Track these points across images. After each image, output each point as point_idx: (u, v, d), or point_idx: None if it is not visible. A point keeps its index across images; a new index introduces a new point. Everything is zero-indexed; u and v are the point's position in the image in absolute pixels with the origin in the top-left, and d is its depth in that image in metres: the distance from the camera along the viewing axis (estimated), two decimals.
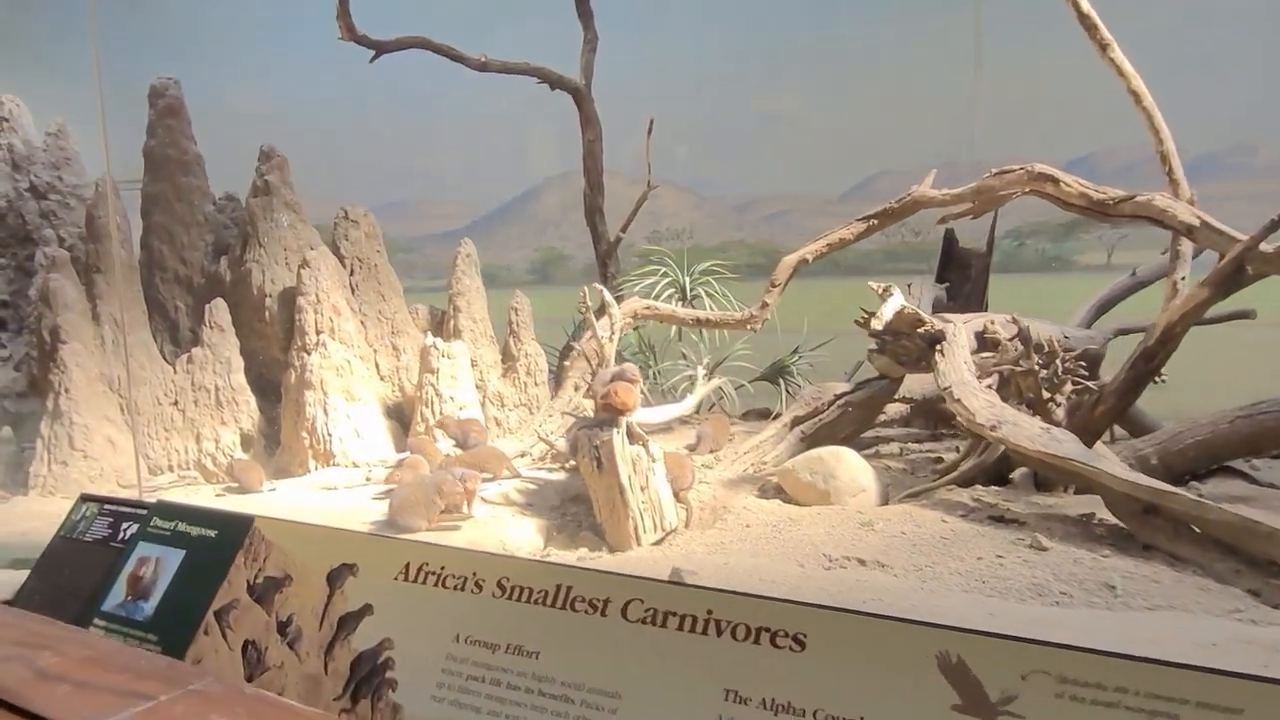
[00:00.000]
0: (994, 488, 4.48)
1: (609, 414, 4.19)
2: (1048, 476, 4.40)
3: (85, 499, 2.34)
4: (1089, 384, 4.41)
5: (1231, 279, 3.78)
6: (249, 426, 6.36)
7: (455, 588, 1.58)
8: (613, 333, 5.07)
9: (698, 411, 6.39)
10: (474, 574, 1.59)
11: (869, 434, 5.73)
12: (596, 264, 8.47)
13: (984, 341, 4.91)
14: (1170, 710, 1.02)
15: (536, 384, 6.90)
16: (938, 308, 6.03)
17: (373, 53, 8.14)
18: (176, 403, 6.29)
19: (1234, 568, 3.19)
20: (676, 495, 4.32)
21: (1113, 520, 3.74)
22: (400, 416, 6.62)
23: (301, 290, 6.31)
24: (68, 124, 8.01)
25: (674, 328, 7.27)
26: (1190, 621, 2.76)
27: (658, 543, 4.08)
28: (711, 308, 7.32)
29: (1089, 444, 4.02)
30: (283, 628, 1.70)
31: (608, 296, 5.32)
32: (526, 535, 4.27)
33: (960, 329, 4.72)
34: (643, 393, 4.55)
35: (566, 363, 6.19)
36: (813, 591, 3.04)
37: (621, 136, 8.84)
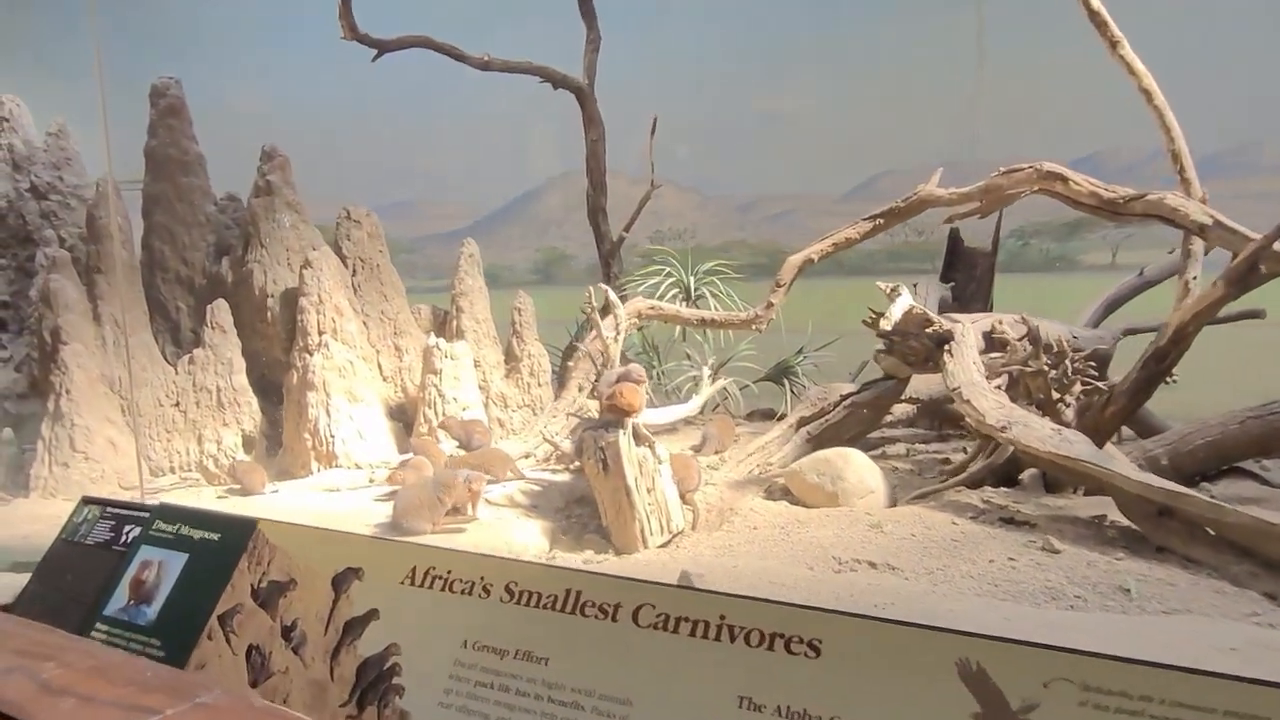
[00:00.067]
0: (1003, 489, 4.45)
1: (614, 415, 4.15)
2: (1057, 478, 4.36)
3: (87, 501, 2.31)
4: (1099, 384, 4.37)
5: (1245, 278, 3.74)
6: (251, 428, 6.32)
7: (463, 592, 1.56)
8: (618, 333, 5.03)
9: (702, 412, 6.35)
10: (482, 578, 1.57)
11: (875, 435, 5.70)
12: (599, 264, 8.44)
13: (992, 342, 4.88)
14: None
15: (540, 385, 6.87)
16: (943, 308, 6.00)
17: (375, 52, 8.11)
18: (178, 404, 6.26)
19: (1250, 570, 3.15)
20: (683, 497, 4.28)
21: (1125, 522, 3.70)
22: (403, 418, 6.58)
23: (304, 291, 6.28)
24: (68, 124, 7.98)
25: (678, 328, 7.23)
26: (1208, 625, 2.72)
27: (664, 545, 4.05)
28: (716, 308, 7.28)
29: (1099, 445, 3.98)
30: (287, 633, 1.68)
31: (613, 296, 5.29)
32: (531, 537, 4.24)
33: (968, 329, 4.68)
34: (647, 393, 4.52)
35: (570, 363, 6.16)
36: (824, 595, 3.01)
37: (624, 136, 8.81)
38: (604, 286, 5.43)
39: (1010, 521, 3.86)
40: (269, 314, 6.75)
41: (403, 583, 1.62)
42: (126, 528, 2.13)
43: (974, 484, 4.48)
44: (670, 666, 1.30)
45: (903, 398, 5.59)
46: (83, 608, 2.01)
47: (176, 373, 6.35)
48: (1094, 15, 4.37)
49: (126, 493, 5.77)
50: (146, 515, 2.13)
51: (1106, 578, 3.16)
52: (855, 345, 6.78)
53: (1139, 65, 4.34)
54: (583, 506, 4.50)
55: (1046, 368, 4.37)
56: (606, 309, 5.25)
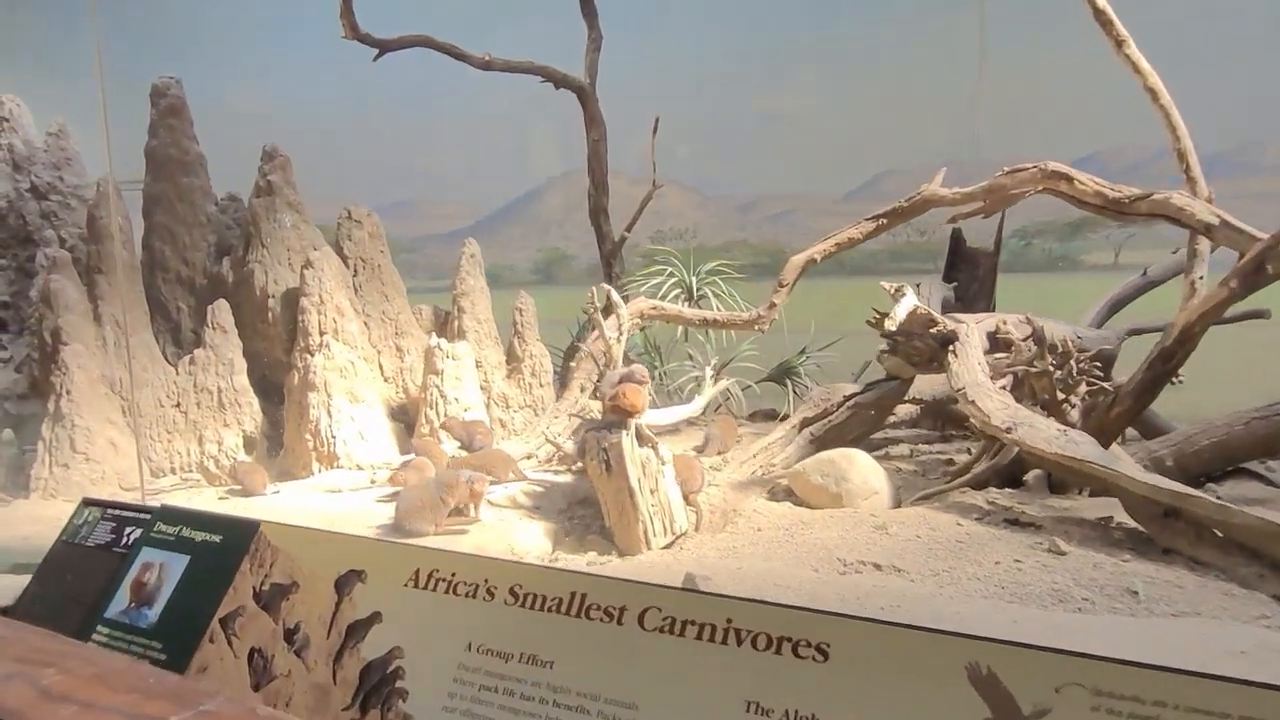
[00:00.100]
0: (1008, 490, 4.43)
1: (617, 416, 4.13)
2: (1062, 479, 4.35)
3: (87, 503, 2.30)
4: (1104, 385, 4.35)
5: (1252, 278, 3.72)
6: (252, 429, 6.31)
7: (466, 595, 1.56)
8: (620, 333, 5.01)
9: (704, 413, 6.33)
10: (485, 581, 1.56)
11: (878, 435, 5.68)
12: (601, 264, 8.42)
13: (996, 342, 4.86)
14: None
15: (541, 385, 6.85)
16: (946, 308, 5.97)
17: (376, 51, 8.10)
18: (179, 405, 6.24)
19: (1258, 572, 3.13)
20: (686, 498, 4.27)
21: (1131, 523, 3.68)
22: (404, 418, 6.56)
23: (305, 291, 6.26)
24: (68, 124, 7.96)
25: (680, 328, 7.21)
26: (1216, 628, 2.70)
27: (667, 546, 4.03)
28: (718, 308, 7.26)
29: (1104, 446, 3.96)
30: (290, 635, 1.67)
31: (615, 296, 5.27)
32: (534, 539, 4.22)
33: (973, 329, 4.66)
34: (649, 394, 4.50)
35: (572, 364, 6.14)
36: (829, 597, 2.99)
37: (625, 136, 8.80)
38: (606, 286, 5.41)
39: (1015, 523, 3.84)
40: (270, 314, 6.73)
41: (406, 585, 1.61)
42: (127, 529, 2.12)
43: (978, 485, 4.46)
44: (676, 670, 1.30)
45: (906, 398, 5.57)
46: (83, 610, 2.00)
47: (177, 373, 6.33)
48: (1099, 14, 4.35)
49: (127, 494, 5.75)
50: (148, 517, 2.12)
51: (1114, 580, 3.14)
52: (858, 345, 6.76)
53: (1144, 64, 4.32)
54: (585, 508, 4.49)
55: (1051, 368, 4.35)
56: (609, 309, 5.23)
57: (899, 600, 2.95)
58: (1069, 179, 4.38)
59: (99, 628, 1.95)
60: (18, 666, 1.29)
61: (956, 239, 6.90)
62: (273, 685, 1.63)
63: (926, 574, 3.28)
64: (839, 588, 3.12)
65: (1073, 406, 4.37)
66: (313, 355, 6.07)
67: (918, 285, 5.80)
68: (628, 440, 4.05)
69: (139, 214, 7.26)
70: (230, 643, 1.72)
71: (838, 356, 7.41)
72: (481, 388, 6.56)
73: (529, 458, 5.53)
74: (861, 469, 4.38)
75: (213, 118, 8.11)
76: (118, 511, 2.21)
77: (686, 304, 7.26)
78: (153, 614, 1.87)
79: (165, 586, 1.90)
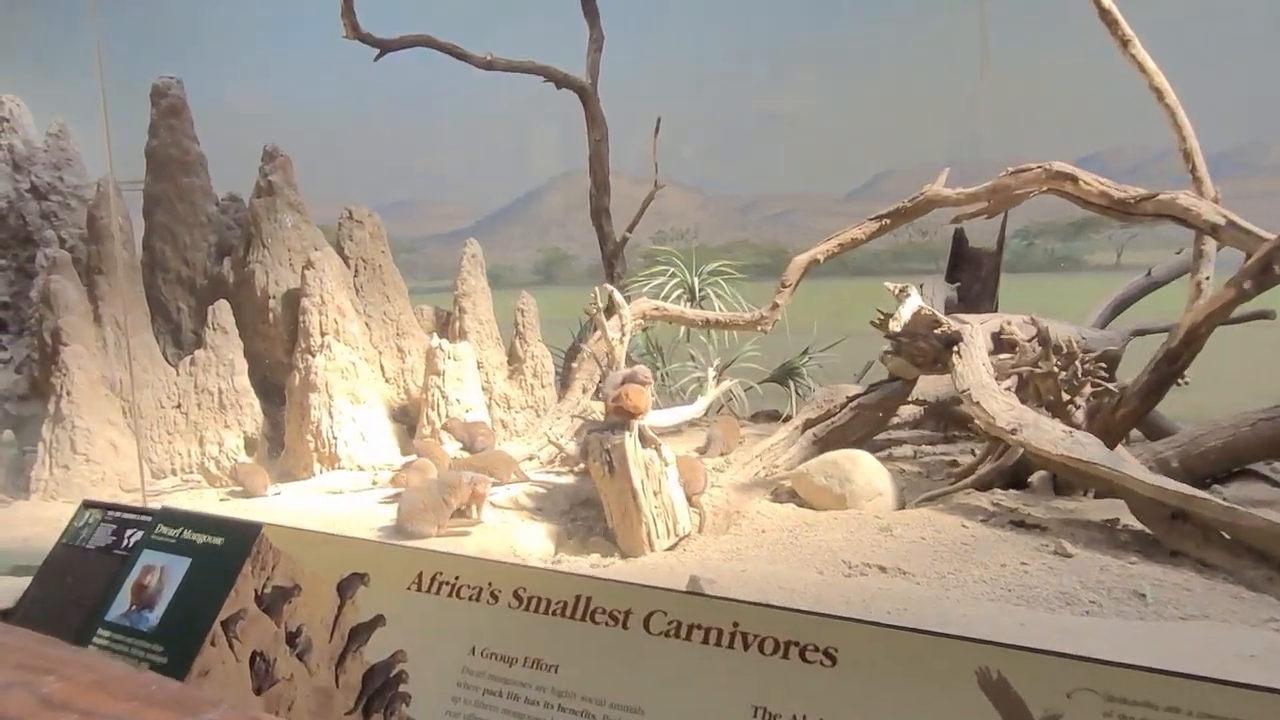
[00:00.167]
0: (1012, 491, 4.41)
1: (620, 417, 4.11)
2: (1067, 480, 4.33)
3: (88, 505, 2.29)
4: (1109, 386, 4.33)
5: (1259, 279, 3.70)
6: (253, 430, 6.29)
7: (470, 598, 1.55)
8: (623, 334, 5.00)
9: (706, 414, 6.32)
10: (489, 584, 1.55)
11: (881, 436, 5.66)
12: (602, 264, 8.40)
13: (1000, 343, 4.84)
14: None
15: (543, 386, 6.82)
16: (949, 308, 5.95)
17: (377, 51, 8.08)
18: (179, 405, 6.22)
19: (1267, 575, 3.11)
20: (689, 499, 4.24)
21: (1137, 525, 3.66)
22: (406, 419, 6.54)
23: (306, 291, 6.24)
24: (69, 124, 7.94)
25: (682, 329, 7.20)
26: (1226, 632, 2.68)
27: (671, 548, 4.00)
28: (720, 308, 7.24)
29: (1110, 447, 3.94)
30: (292, 639, 1.66)
31: (618, 297, 5.25)
32: (537, 541, 4.20)
33: (978, 330, 4.64)
34: (652, 395, 4.48)
35: (574, 364, 6.12)
36: (834, 600, 2.97)
37: (626, 136, 8.78)
38: (609, 287, 5.39)
39: (1021, 525, 3.82)
40: (271, 315, 6.71)
41: (409, 588, 1.60)
42: (128, 532, 2.11)
43: (983, 486, 4.45)
44: (682, 675, 1.29)
45: (909, 399, 5.56)
46: (84, 613, 1.99)
47: (178, 374, 6.31)
48: (1105, 14, 4.33)
49: (128, 495, 5.73)
50: (148, 519, 2.11)
51: (1121, 582, 3.12)
52: (860, 346, 6.74)
53: (1150, 64, 4.30)
54: (588, 509, 4.46)
55: (1056, 369, 4.33)
56: (611, 309, 5.22)
57: (905, 603, 2.93)
58: (1074, 179, 4.36)
59: (100, 631, 1.94)
60: (18, 674, 1.27)
61: (959, 239, 6.89)
62: (275, 689, 1.62)
63: (932, 576, 3.26)
64: (844, 590, 3.10)
65: (1077, 408, 4.35)
66: (314, 356, 6.06)
67: (920, 286, 5.77)
68: (631, 441, 4.03)
69: (139, 214, 7.24)
70: (232, 646, 1.71)
71: (840, 357, 7.39)
72: (483, 389, 6.54)
73: (531, 459, 5.51)
74: (866, 470, 4.37)
75: (213, 118, 8.09)
76: (118, 514, 2.20)
77: (689, 304, 7.24)
78: (154, 617, 1.86)
79: (166, 589, 1.89)
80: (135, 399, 6.18)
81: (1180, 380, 4.27)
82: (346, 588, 1.69)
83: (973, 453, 5.23)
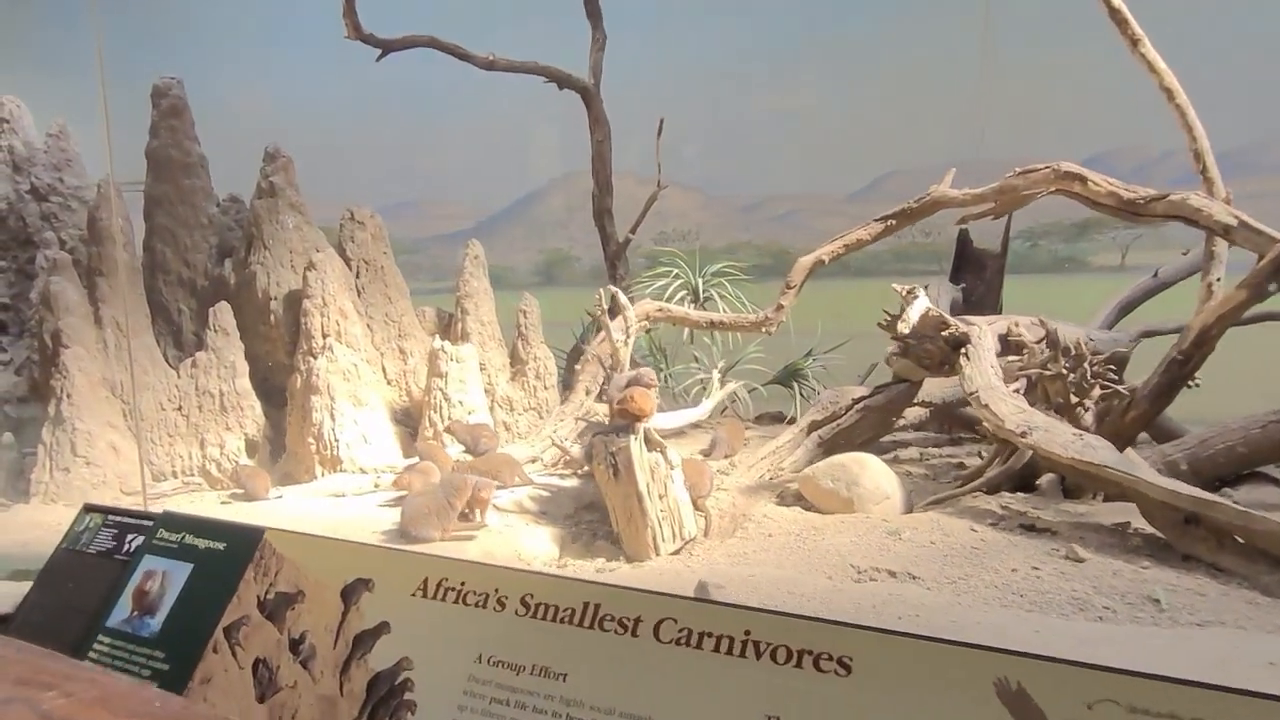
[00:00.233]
0: (1020, 494, 4.37)
1: (625, 420, 4.08)
2: (1076, 483, 4.29)
3: (89, 509, 2.27)
4: (1119, 388, 4.29)
5: (1271, 280, 3.66)
6: (254, 432, 6.25)
7: (476, 604, 1.54)
8: (627, 335, 4.96)
9: (710, 416, 6.28)
10: (496, 590, 1.54)
11: (886, 439, 5.63)
12: (605, 266, 8.37)
13: (1007, 344, 4.80)
14: None
15: (546, 388, 6.79)
16: (954, 310, 5.92)
17: (379, 52, 8.05)
18: (180, 408, 6.19)
19: None
20: (695, 503, 4.21)
21: (1149, 529, 3.62)
22: (408, 421, 6.51)
23: (307, 293, 6.21)
24: (69, 125, 7.91)
25: (685, 330, 7.16)
26: (1244, 639, 2.65)
27: (676, 552, 3.97)
28: (724, 310, 7.21)
29: (1119, 450, 3.90)
30: (295, 646, 1.66)
31: (622, 298, 5.22)
32: (541, 544, 4.16)
33: (985, 332, 4.61)
34: (655, 397, 4.45)
35: (577, 366, 6.08)
36: (844, 605, 2.93)
37: (628, 136, 8.76)
38: (613, 289, 5.36)
39: (1031, 528, 3.78)
40: (272, 316, 6.68)
41: (414, 594, 1.59)
42: (129, 536, 2.09)
43: (990, 489, 4.41)
44: (693, 684, 1.27)
45: (915, 401, 5.52)
46: (84, 618, 1.97)
47: (179, 376, 6.28)
48: (1115, 13, 4.29)
49: (128, 498, 5.70)
50: (149, 524, 2.08)
51: (1134, 587, 3.09)
52: (863, 347, 6.71)
53: (1160, 63, 4.26)
54: (592, 512, 4.43)
55: (1065, 371, 4.30)
56: (615, 310, 5.18)
57: (917, 609, 2.89)
58: (1082, 179, 4.32)
59: (100, 637, 1.92)
60: (17, 689, 1.23)
61: (963, 240, 6.85)
62: (278, 697, 1.61)
63: (943, 581, 3.22)
64: (854, 596, 3.06)
65: (1086, 410, 4.31)
66: (315, 358, 6.02)
67: (925, 286, 5.75)
68: (636, 444, 4.00)
69: (140, 215, 7.21)
70: (234, 653, 1.70)
71: (844, 359, 7.35)
72: (485, 390, 6.51)
73: (534, 461, 5.48)
74: (873, 473, 4.33)
75: (214, 118, 8.06)
76: (119, 518, 2.18)
77: (692, 306, 7.21)
78: (155, 623, 1.86)
79: (168, 595, 1.88)
80: (136, 401, 6.15)
81: (1191, 382, 4.23)
82: (351, 593, 1.67)
83: (980, 455, 5.19)
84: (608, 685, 1.31)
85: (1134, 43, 4.27)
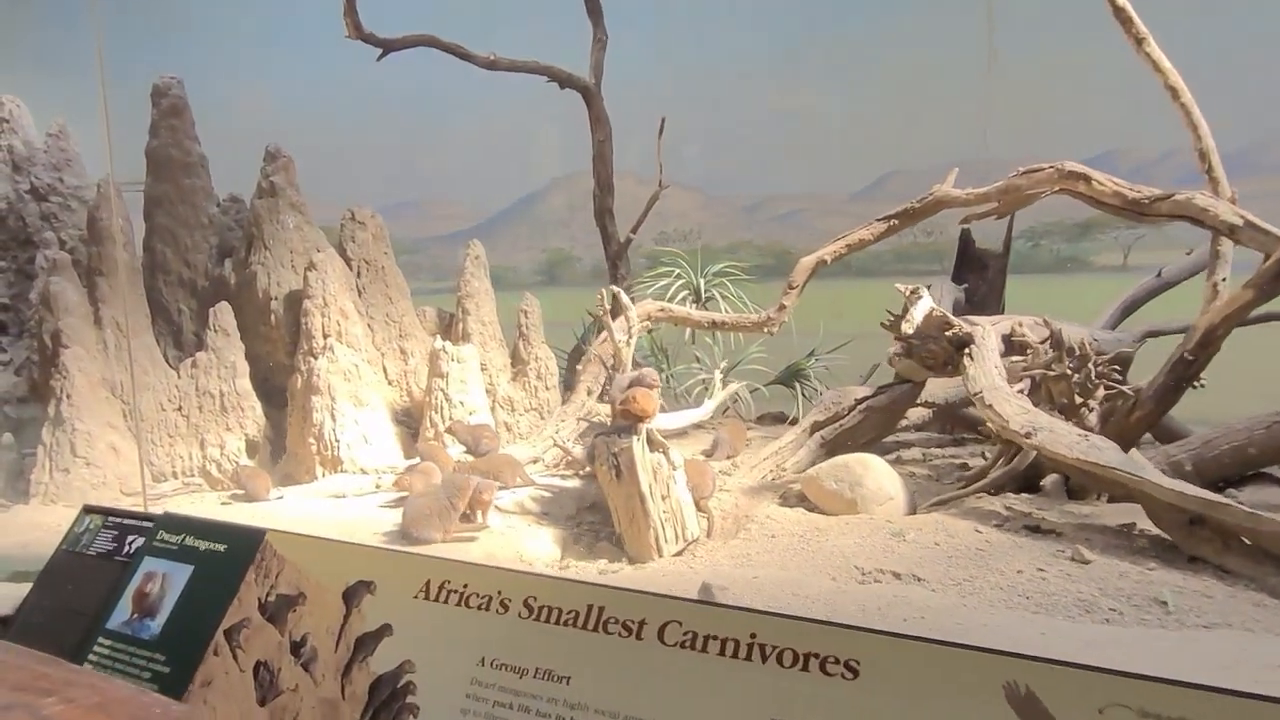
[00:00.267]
0: (1024, 495, 4.35)
1: (628, 420, 4.06)
2: (1080, 484, 4.27)
3: (88, 510, 2.25)
4: (1123, 389, 4.27)
5: (1277, 280, 3.64)
6: (254, 432, 6.23)
7: (479, 607, 1.52)
8: (629, 336, 4.94)
9: (712, 416, 6.26)
10: (499, 592, 1.52)
11: (889, 439, 5.61)
12: (606, 265, 8.35)
13: (1011, 345, 4.78)
14: None
15: (547, 388, 6.77)
16: (956, 310, 5.90)
17: (379, 51, 8.03)
18: (180, 408, 6.17)
19: None
20: (698, 504, 4.19)
21: (1154, 531, 3.60)
22: (409, 422, 6.49)
23: (308, 293, 6.19)
24: (69, 124, 7.90)
25: (687, 330, 7.14)
26: (1252, 641, 2.63)
27: (679, 553, 3.95)
28: (726, 310, 7.18)
29: (1124, 450, 3.88)
30: (297, 648, 1.64)
31: (624, 299, 5.20)
32: (543, 546, 4.14)
33: (989, 332, 4.59)
34: (657, 397, 4.43)
35: (578, 366, 6.06)
36: (850, 607, 2.91)
37: (629, 136, 8.73)
38: (615, 289, 5.33)
39: (1036, 530, 3.76)
40: (272, 317, 6.66)
41: (417, 596, 1.57)
42: (129, 538, 2.07)
43: (994, 490, 4.39)
44: (698, 687, 1.25)
45: (918, 401, 5.50)
46: (84, 621, 1.95)
47: (179, 376, 6.26)
48: (1119, 12, 4.27)
49: (128, 499, 5.68)
50: (150, 525, 2.06)
51: (1140, 589, 3.07)
52: (865, 347, 6.69)
53: (1165, 62, 4.24)
54: (594, 513, 4.41)
55: (1069, 372, 4.27)
56: (617, 310, 5.16)
57: (922, 611, 2.87)
58: (1087, 179, 4.30)
59: (100, 640, 1.91)
60: (16, 695, 1.21)
61: (965, 240, 6.84)
62: (279, 700, 1.59)
63: (948, 583, 3.20)
64: (859, 597, 3.04)
65: (1091, 410, 4.29)
66: (316, 358, 6.00)
67: (929, 287, 5.74)
68: (639, 445, 3.98)
69: (140, 215, 7.19)
70: (235, 655, 1.69)
71: (846, 359, 7.33)
72: (487, 391, 6.49)
73: (536, 462, 5.46)
74: (876, 474, 4.31)
75: (214, 118, 8.04)
76: (119, 519, 2.17)
77: (694, 306, 7.19)
78: (155, 626, 1.84)
79: (168, 597, 1.87)
80: (136, 402, 6.13)
81: (1196, 383, 4.21)
82: (353, 596, 1.66)
83: (983, 456, 5.17)
84: (612, 689, 1.29)
85: (1139, 42, 4.25)
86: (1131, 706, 1.05)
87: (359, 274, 6.86)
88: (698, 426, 6.12)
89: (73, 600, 2.03)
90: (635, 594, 1.45)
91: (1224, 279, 4.27)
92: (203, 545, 1.93)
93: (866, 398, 5.17)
